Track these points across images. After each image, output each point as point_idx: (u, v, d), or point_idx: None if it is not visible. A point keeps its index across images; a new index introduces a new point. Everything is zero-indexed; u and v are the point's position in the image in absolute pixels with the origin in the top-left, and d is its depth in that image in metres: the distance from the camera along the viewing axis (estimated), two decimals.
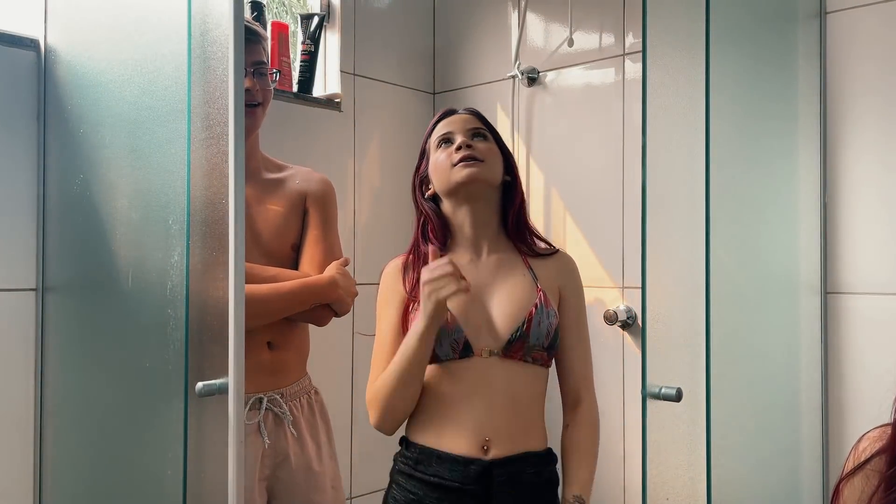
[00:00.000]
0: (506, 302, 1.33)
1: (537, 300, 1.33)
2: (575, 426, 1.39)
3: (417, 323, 1.26)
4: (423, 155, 1.44)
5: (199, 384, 1.21)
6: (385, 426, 1.32)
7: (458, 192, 1.36)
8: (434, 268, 1.25)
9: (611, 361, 2.05)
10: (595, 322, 2.06)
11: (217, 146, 1.21)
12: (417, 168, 1.45)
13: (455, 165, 1.33)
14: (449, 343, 1.28)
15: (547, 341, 1.33)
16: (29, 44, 1.64)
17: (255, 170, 1.64)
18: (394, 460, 1.39)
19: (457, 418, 1.28)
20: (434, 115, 1.50)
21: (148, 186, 1.41)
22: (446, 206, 1.40)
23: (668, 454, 1.33)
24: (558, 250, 1.46)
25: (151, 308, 1.36)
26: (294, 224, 1.65)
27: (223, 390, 1.20)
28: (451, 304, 1.27)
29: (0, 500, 1.60)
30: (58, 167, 1.62)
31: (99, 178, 1.54)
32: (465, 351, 1.28)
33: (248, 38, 1.54)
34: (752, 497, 1.54)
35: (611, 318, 1.99)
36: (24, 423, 1.63)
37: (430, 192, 1.41)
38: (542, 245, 1.45)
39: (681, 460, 1.34)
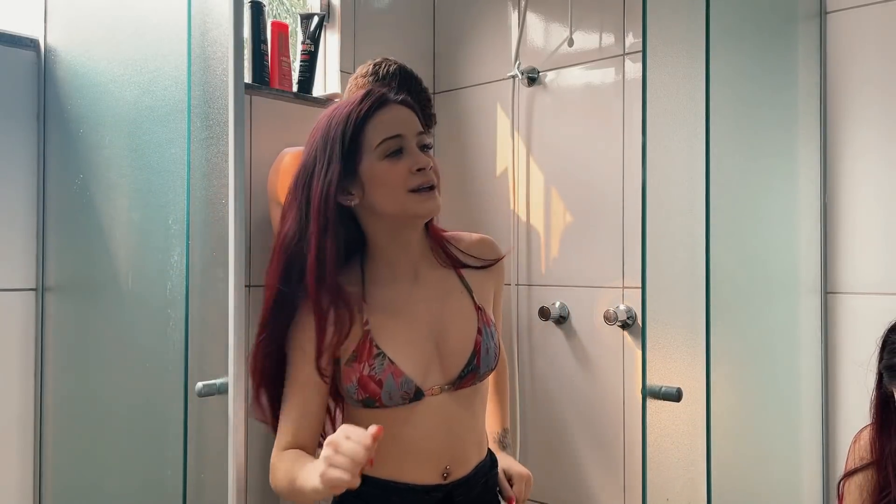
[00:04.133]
0: (451, 335, 1.19)
1: (479, 324, 1.21)
2: (494, 373, 1.31)
3: (311, 484, 1.02)
4: (346, 151, 1.12)
5: (199, 384, 1.21)
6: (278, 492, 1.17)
7: (410, 223, 1.16)
8: (347, 440, 0.96)
9: (611, 361, 2.05)
10: (595, 322, 2.06)
11: (217, 146, 1.21)
12: (333, 162, 1.12)
13: (413, 191, 1.12)
14: (399, 395, 1.13)
15: (495, 362, 1.22)
16: (29, 44, 1.64)
17: None
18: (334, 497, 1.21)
19: (416, 452, 1.18)
20: (366, 97, 1.16)
21: (148, 186, 1.42)
22: (377, 226, 1.17)
23: (668, 454, 1.33)
24: (477, 238, 1.29)
25: (151, 308, 1.36)
26: None
27: (223, 390, 1.20)
28: (395, 348, 1.14)
29: (0, 500, 1.60)
30: (58, 167, 1.62)
31: (99, 178, 1.54)
32: (416, 396, 1.15)
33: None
34: (752, 497, 1.54)
35: (611, 318, 1.99)
36: (24, 423, 1.63)
37: (352, 201, 1.14)
38: (463, 237, 1.28)
39: (681, 460, 1.34)
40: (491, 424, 1.38)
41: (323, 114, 1.18)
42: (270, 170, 1.76)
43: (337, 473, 0.95)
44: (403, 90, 1.66)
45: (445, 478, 1.19)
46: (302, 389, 1.14)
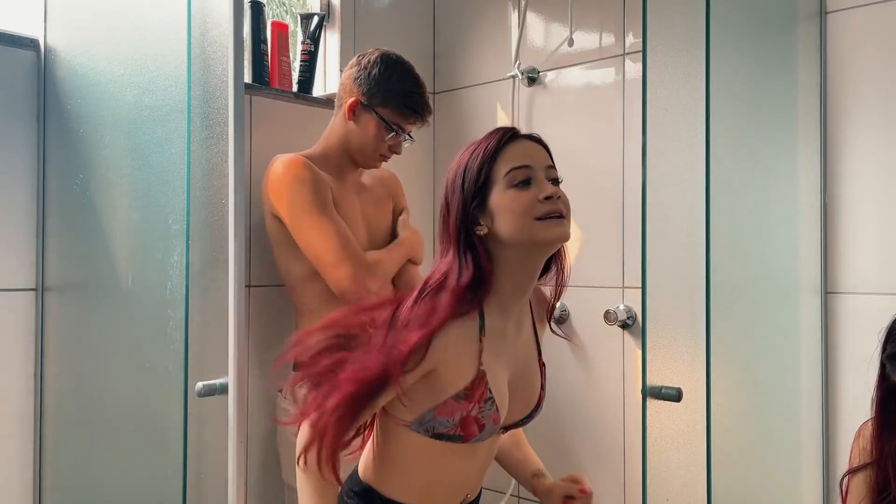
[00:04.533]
0: (524, 387, 1.21)
1: (543, 380, 1.25)
2: None
3: None
4: (480, 182, 1.15)
5: (199, 384, 1.21)
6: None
7: (535, 251, 1.15)
8: None
9: (611, 361, 2.05)
10: (595, 322, 2.06)
11: (217, 146, 1.22)
12: (466, 195, 1.15)
13: (540, 219, 1.12)
14: (485, 437, 1.15)
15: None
16: (29, 44, 1.64)
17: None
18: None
19: (445, 482, 1.20)
20: (494, 137, 1.19)
21: (148, 186, 1.42)
22: (503, 257, 1.15)
23: (668, 454, 1.33)
24: (538, 292, 1.29)
25: (151, 308, 1.36)
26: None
27: (223, 390, 1.20)
28: (498, 393, 1.14)
29: (0, 500, 1.60)
30: (58, 167, 1.62)
31: (99, 178, 1.54)
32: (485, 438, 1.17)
33: (426, 121, 1.78)
34: (752, 497, 1.54)
35: (611, 318, 1.99)
36: (24, 423, 1.63)
37: (482, 231, 1.14)
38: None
39: (681, 460, 1.34)
40: (527, 461, 1.38)
41: (455, 161, 1.21)
42: (263, 178, 1.74)
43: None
44: (394, 79, 1.69)
45: (462, 503, 1.23)
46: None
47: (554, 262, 1.23)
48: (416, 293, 1.14)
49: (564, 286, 1.25)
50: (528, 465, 1.36)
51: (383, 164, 1.83)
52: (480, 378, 1.11)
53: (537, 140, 1.21)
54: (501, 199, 1.13)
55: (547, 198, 1.12)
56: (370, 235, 1.79)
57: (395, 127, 1.71)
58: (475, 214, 1.14)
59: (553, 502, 1.27)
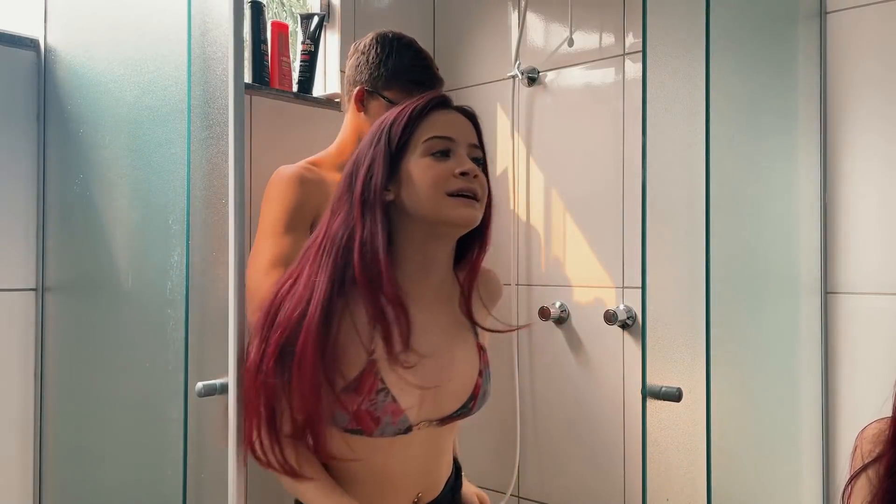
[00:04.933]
0: (454, 374, 1.12)
1: (481, 366, 1.16)
2: None
3: None
4: (398, 144, 1.05)
5: (199, 384, 1.21)
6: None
7: (441, 229, 1.07)
8: None
9: (611, 361, 2.05)
10: (595, 322, 2.06)
11: (217, 146, 1.21)
12: (380, 155, 1.04)
13: (451, 195, 1.03)
14: (391, 431, 1.05)
15: (486, 403, 1.17)
16: (29, 44, 1.64)
17: None
18: None
19: (392, 481, 1.12)
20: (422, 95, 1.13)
21: (148, 186, 1.42)
22: (408, 231, 1.06)
23: (668, 454, 1.33)
24: (485, 273, 1.20)
25: (151, 308, 1.36)
26: None
27: (223, 390, 1.20)
28: (399, 384, 1.04)
29: (0, 500, 1.60)
30: (58, 167, 1.62)
31: (99, 178, 1.54)
32: (406, 431, 1.07)
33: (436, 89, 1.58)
34: (753, 497, 1.54)
35: (611, 318, 1.99)
36: (24, 423, 1.63)
37: (386, 197, 1.05)
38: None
39: (681, 460, 1.34)
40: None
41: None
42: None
43: None
44: (393, 57, 1.58)
45: (416, 503, 1.16)
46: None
47: (472, 243, 1.13)
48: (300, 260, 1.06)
49: (475, 275, 1.15)
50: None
51: None
52: (368, 369, 1.02)
53: (469, 115, 1.12)
54: (414, 167, 1.04)
55: (463, 173, 1.04)
56: None
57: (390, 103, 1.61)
58: (385, 178, 1.04)
59: None
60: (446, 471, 1.23)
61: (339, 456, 1.07)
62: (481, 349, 1.18)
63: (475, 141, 1.11)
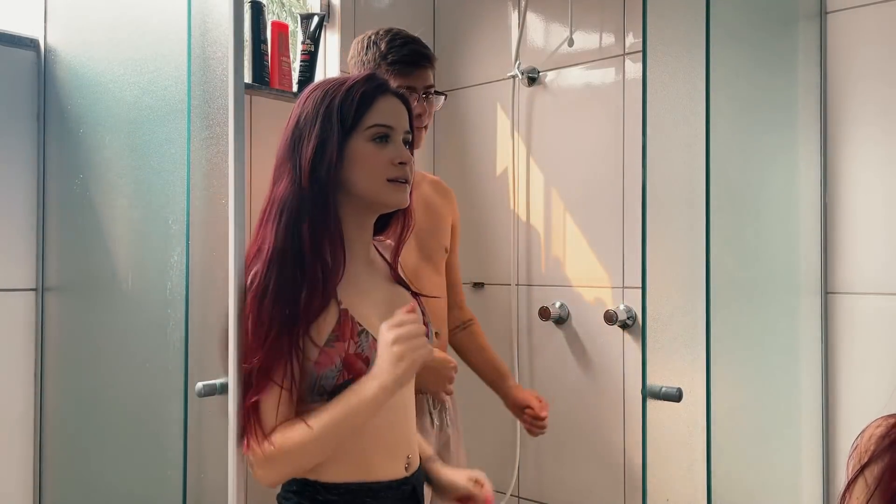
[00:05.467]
0: None
1: (422, 306, 1.26)
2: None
3: (378, 385, 1.05)
4: (347, 125, 1.14)
5: (199, 384, 1.21)
6: (277, 483, 1.12)
7: (375, 209, 1.19)
8: (403, 322, 1.07)
9: (611, 361, 2.05)
10: (595, 322, 2.06)
11: (217, 146, 1.21)
12: (328, 132, 1.13)
13: (390, 181, 1.15)
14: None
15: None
16: (29, 44, 1.64)
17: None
18: None
19: (384, 444, 1.15)
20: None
21: (148, 186, 1.42)
22: (348, 202, 1.17)
23: (668, 454, 1.33)
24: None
25: (151, 308, 1.36)
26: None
27: (223, 390, 1.20)
28: (371, 326, 1.13)
29: (0, 500, 1.60)
30: (57, 167, 1.62)
31: (99, 178, 1.54)
32: None
33: (422, 64, 1.62)
34: (752, 497, 1.54)
35: (611, 318, 1.99)
36: (24, 423, 1.63)
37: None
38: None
39: (681, 460, 1.34)
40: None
41: (314, 84, 1.21)
42: None
43: (423, 351, 1.06)
44: (382, 47, 1.62)
45: (408, 469, 1.18)
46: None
47: (397, 218, 1.26)
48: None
49: (404, 241, 1.28)
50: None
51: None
52: (343, 315, 1.11)
53: (405, 100, 1.22)
54: (360, 151, 1.15)
55: (402, 163, 1.16)
56: (421, 250, 1.68)
57: (403, 90, 1.63)
58: (338, 160, 1.13)
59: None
60: (417, 442, 1.25)
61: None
62: (417, 296, 1.27)
63: (408, 127, 1.21)
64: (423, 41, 1.69)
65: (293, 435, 1.06)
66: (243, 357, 1.09)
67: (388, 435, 1.16)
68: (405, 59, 1.60)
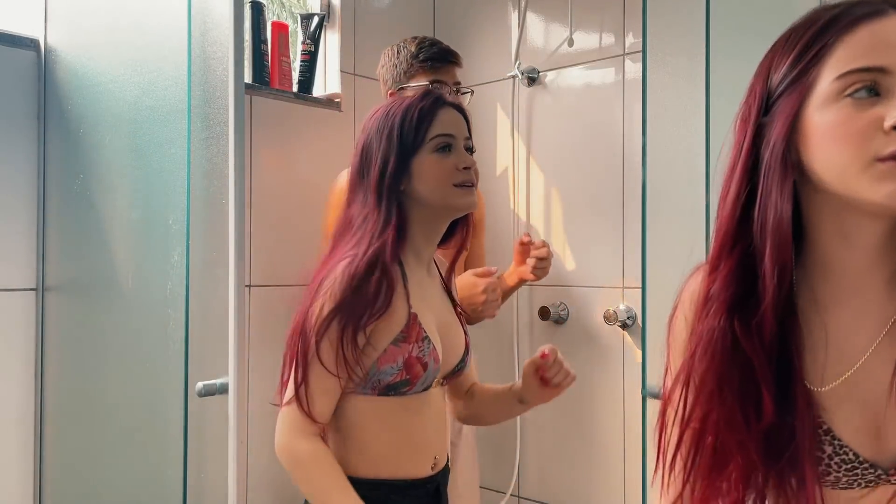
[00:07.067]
0: (451, 331, 1.27)
1: (465, 327, 1.31)
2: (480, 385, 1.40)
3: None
4: (412, 142, 1.20)
5: (199, 384, 1.21)
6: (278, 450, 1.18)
7: (446, 214, 1.25)
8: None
9: (611, 361, 2.05)
10: (595, 322, 2.06)
11: (217, 146, 1.22)
12: (395, 150, 1.20)
13: (457, 186, 1.21)
14: (431, 380, 1.20)
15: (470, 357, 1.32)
16: (29, 44, 1.64)
17: None
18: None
19: (414, 444, 1.20)
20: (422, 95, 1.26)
21: (148, 186, 1.42)
22: (419, 213, 1.22)
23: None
24: None
25: (151, 308, 1.36)
26: None
27: (223, 390, 1.20)
28: (432, 334, 1.20)
29: (0, 500, 1.60)
30: (58, 167, 1.62)
31: (99, 178, 1.54)
32: (430, 385, 1.21)
33: (451, 60, 1.77)
34: None
35: (611, 318, 1.99)
36: (24, 423, 1.63)
37: (400, 188, 1.21)
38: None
39: None
40: (512, 391, 1.42)
41: (376, 107, 1.27)
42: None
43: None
44: (410, 50, 1.75)
45: (434, 468, 1.22)
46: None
47: (459, 224, 1.32)
48: (332, 248, 1.21)
49: (466, 248, 1.35)
50: (504, 391, 1.38)
51: None
52: (413, 319, 1.17)
53: (462, 111, 1.28)
54: (425, 163, 1.21)
55: (465, 168, 1.22)
56: None
57: (434, 84, 1.72)
58: (400, 170, 1.20)
59: (533, 387, 1.30)
60: (448, 439, 1.30)
61: (366, 420, 1.17)
62: (460, 314, 1.32)
63: (468, 134, 1.27)
64: None
65: (315, 467, 1.12)
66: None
67: (419, 436, 1.21)
68: (435, 56, 1.74)
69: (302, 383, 1.12)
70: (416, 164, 1.21)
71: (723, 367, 0.73)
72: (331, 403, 1.15)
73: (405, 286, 1.19)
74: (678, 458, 0.79)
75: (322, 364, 1.11)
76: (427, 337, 1.18)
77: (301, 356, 1.12)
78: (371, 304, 1.12)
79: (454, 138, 1.23)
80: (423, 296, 1.23)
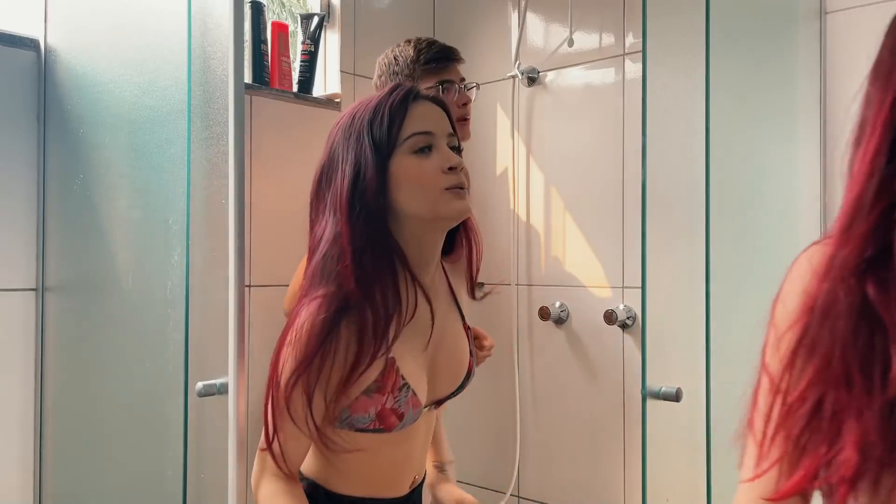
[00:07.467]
0: (450, 356, 1.14)
1: (470, 345, 1.18)
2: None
3: None
4: (383, 145, 1.02)
5: (199, 384, 1.21)
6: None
7: (436, 225, 1.07)
8: None
9: (611, 361, 2.05)
10: (595, 322, 2.06)
11: (217, 146, 1.22)
12: (364, 157, 1.02)
13: (445, 190, 1.03)
14: (410, 422, 1.07)
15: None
16: (29, 44, 1.64)
17: None
18: None
19: (397, 468, 1.14)
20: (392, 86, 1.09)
21: (148, 186, 1.42)
22: (406, 228, 1.05)
23: (668, 454, 1.33)
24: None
25: (151, 308, 1.36)
26: None
27: (223, 390, 1.20)
28: (414, 376, 1.06)
29: (0, 500, 1.60)
30: (58, 167, 1.62)
31: (99, 178, 1.54)
32: (416, 419, 1.10)
33: (454, 58, 1.71)
34: None
35: (611, 318, 1.99)
36: (24, 423, 1.63)
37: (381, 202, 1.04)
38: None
39: (681, 460, 1.34)
40: (439, 451, 1.37)
41: (341, 114, 1.11)
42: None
43: None
44: (410, 53, 1.66)
45: (411, 486, 1.18)
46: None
47: (461, 234, 1.15)
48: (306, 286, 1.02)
49: (480, 258, 1.17)
50: (435, 455, 1.34)
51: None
52: (390, 367, 1.03)
53: (440, 103, 1.10)
54: (404, 167, 1.03)
55: (451, 168, 1.04)
56: None
57: (444, 84, 1.66)
58: (379, 183, 1.01)
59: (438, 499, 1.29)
60: (426, 461, 1.26)
61: (345, 449, 1.06)
62: (467, 328, 1.19)
63: (450, 129, 1.09)
64: None
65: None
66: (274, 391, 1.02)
67: (402, 462, 1.15)
68: (438, 57, 1.67)
69: (274, 436, 1.01)
70: (392, 170, 1.02)
71: (847, 327, 0.67)
72: (303, 451, 1.06)
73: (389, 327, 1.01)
74: (779, 429, 0.73)
75: (292, 420, 1.00)
76: (405, 385, 1.04)
77: (274, 407, 1.01)
78: (341, 365, 0.98)
79: (433, 136, 1.05)
80: (412, 329, 1.06)
